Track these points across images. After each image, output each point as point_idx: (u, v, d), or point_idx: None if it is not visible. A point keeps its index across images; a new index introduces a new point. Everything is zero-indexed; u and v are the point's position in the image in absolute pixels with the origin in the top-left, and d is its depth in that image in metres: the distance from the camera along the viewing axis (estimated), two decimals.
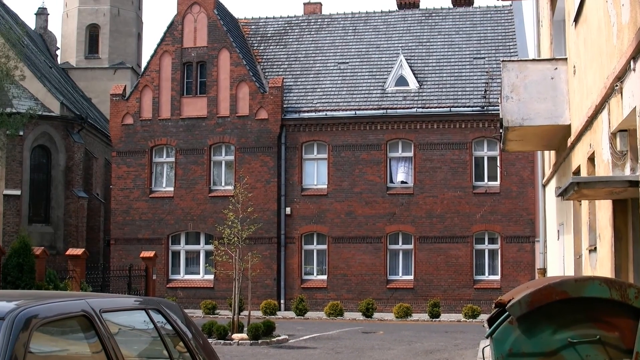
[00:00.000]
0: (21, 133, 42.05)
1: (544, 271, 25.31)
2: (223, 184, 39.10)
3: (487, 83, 38.23)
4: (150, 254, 36.11)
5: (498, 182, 36.83)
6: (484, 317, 30.56)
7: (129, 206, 39.51)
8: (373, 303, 35.21)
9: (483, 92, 37.85)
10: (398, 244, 37.56)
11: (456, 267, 36.75)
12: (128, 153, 39.85)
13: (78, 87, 60.42)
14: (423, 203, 37.15)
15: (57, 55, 65.13)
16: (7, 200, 42.84)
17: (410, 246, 37.32)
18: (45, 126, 45.14)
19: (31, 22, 65.85)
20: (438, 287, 36.73)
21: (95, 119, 53.08)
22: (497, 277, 36.64)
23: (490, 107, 36.70)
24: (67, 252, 33.56)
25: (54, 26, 66.09)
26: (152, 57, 40.25)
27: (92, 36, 63.35)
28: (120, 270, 36.52)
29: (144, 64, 44.76)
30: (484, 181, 37.10)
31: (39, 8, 66.97)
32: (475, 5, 43.38)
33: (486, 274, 36.97)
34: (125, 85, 42.35)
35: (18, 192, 43.17)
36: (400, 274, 37.59)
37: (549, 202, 24.07)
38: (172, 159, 39.53)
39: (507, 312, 8.79)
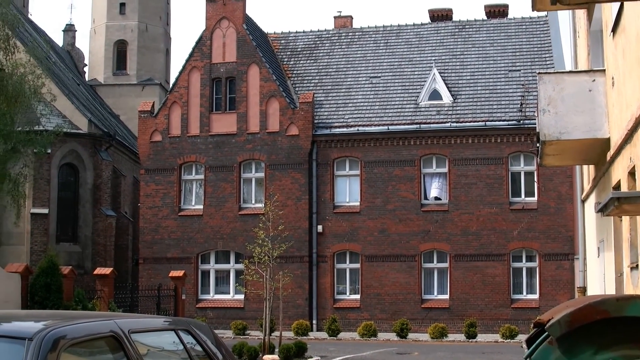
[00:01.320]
0: (49, 151, 41.64)
1: (583, 290, 24.55)
2: (253, 201, 38.47)
3: (522, 96, 37.41)
4: (180, 273, 35.61)
5: (535, 198, 35.97)
6: (522, 337, 29.91)
7: (158, 225, 38.96)
8: (407, 323, 34.39)
9: (519, 106, 37.03)
10: (433, 262, 36.73)
11: (493, 286, 35.87)
12: (156, 171, 39.33)
13: (106, 104, 60.19)
14: (458, 220, 36.32)
15: (84, 72, 65.01)
16: (34, 219, 42.47)
17: (446, 264, 36.47)
18: (73, 144, 44.76)
19: (59, 39, 65.67)
20: (474, 306, 35.84)
21: (123, 136, 52.72)
22: (536, 296, 35.71)
23: (526, 121, 35.87)
24: (95, 272, 33.19)
25: (82, 43, 66.32)
26: (180, 73, 39.78)
27: (120, 52, 63.16)
28: (149, 290, 36.00)
29: (172, 80, 44.29)
30: (520, 197, 36.23)
31: (67, 25, 66.92)
32: (509, 16, 42.59)
33: (524, 292, 36.05)
34: (154, 102, 41.95)
35: (46, 211, 42.79)
36: (435, 293, 36.74)
37: (588, 218, 23.39)
38: (202, 177, 38.97)
39: (546, 333, 8.28)
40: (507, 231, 35.84)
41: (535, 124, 35.21)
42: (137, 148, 41.73)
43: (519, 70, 38.74)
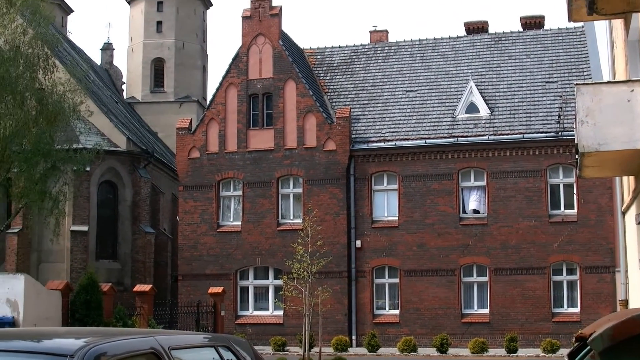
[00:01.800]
0: (88, 169, 41.95)
1: (625, 303, 24.20)
2: (291, 217, 38.45)
3: (560, 108, 37.12)
4: (219, 289, 35.63)
5: (575, 211, 35.63)
6: (563, 351, 29.72)
7: (197, 241, 39.06)
8: (447, 338, 34.16)
9: (557, 117, 36.74)
10: (472, 276, 36.47)
11: (533, 300, 35.52)
12: (195, 187, 39.46)
13: (144, 121, 60.57)
14: (497, 233, 36.05)
15: (123, 90, 65.52)
16: (74, 237, 42.77)
17: (485, 278, 36.19)
18: (112, 161, 45.07)
19: (97, 58, 66.34)
20: (515, 320, 35.50)
21: (161, 153, 53.00)
22: (577, 310, 35.32)
23: (564, 133, 35.55)
24: (135, 289, 33.36)
25: (120, 61, 66.88)
26: (217, 89, 39.95)
27: (157, 70, 63.58)
28: (188, 307, 36.08)
29: (209, 96, 44.52)
30: (560, 210, 35.90)
31: (105, 43, 67.54)
32: (546, 27, 42.28)
33: (565, 306, 35.68)
34: (191, 119, 42.12)
35: (85, 228, 43.08)
36: (475, 307, 36.46)
37: (629, 230, 23.03)
38: (240, 193, 39.03)
39: (589, 347, 8.18)
40: (547, 244, 35.50)
41: (573, 136, 35.07)
42: (176, 165, 41.90)
43: (557, 81, 38.47)
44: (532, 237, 35.66)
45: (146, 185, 46.17)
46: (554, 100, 37.57)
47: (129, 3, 66.73)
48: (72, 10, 67.42)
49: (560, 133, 35.90)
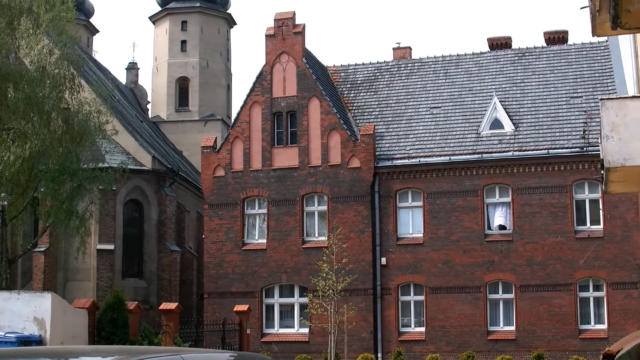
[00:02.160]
0: (113, 188, 42.21)
1: None
2: (316, 234, 38.44)
3: (585, 123, 36.95)
4: (244, 307, 35.64)
5: (601, 226, 35.39)
6: None
7: (222, 259, 39.13)
8: (474, 355, 34.01)
9: (582, 133, 36.57)
10: (498, 293, 36.28)
11: (560, 317, 35.27)
12: (220, 205, 39.55)
13: (169, 140, 60.89)
14: (523, 250, 35.87)
15: (148, 109, 65.92)
16: (100, 255, 42.99)
17: (511, 295, 35.99)
18: (138, 180, 45.31)
19: (122, 77, 66.81)
20: (541, 337, 35.27)
21: (186, 171, 53.25)
22: (604, 326, 35.03)
23: (589, 148, 35.37)
24: (161, 307, 33.45)
25: (145, 80, 67.43)
26: (241, 108, 40.08)
27: (181, 89, 63.96)
28: (214, 325, 36.08)
29: (233, 115, 44.67)
30: (586, 225, 35.67)
31: (130, 63, 68.01)
32: (569, 42, 42.12)
33: (592, 323, 35.38)
34: (216, 137, 42.28)
35: (111, 247, 43.31)
36: (501, 324, 36.24)
37: None
38: (264, 211, 39.08)
39: None
40: (573, 260, 35.28)
41: (599, 151, 34.91)
42: (201, 183, 42.04)
43: (581, 96, 38.32)
44: (558, 254, 35.46)
45: (171, 204, 46.38)
46: (579, 116, 37.42)
47: (154, 23, 67.24)
48: (97, 31, 68.06)
49: (585, 148, 35.72)
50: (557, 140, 36.62)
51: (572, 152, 35.89)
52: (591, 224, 35.60)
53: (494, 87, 39.93)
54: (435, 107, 40.16)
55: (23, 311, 26.57)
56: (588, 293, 35.45)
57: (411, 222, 37.59)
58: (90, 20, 67.10)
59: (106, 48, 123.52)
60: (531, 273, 35.60)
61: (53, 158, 32.83)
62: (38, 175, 34.64)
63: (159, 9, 66.98)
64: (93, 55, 62.29)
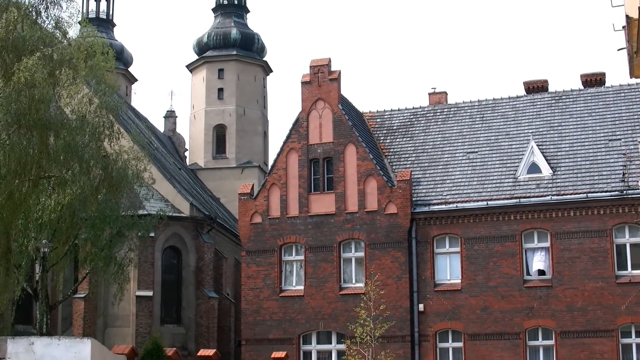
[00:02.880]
0: (152, 234, 42.54)
1: None
2: (354, 281, 38.30)
3: (624, 166, 36.62)
4: (282, 354, 35.55)
5: None
6: None
7: (259, 306, 39.06)
8: None
9: (621, 175, 36.24)
10: (538, 339, 35.81)
11: None
12: (257, 252, 39.57)
13: (207, 187, 61.26)
14: (562, 295, 35.44)
15: (185, 157, 66.46)
16: (139, 302, 43.22)
17: (551, 342, 35.51)
18: (176, 227, 45.60)
19: (160, 125, 67.51)
20: None
21: (224, 218, 53.50)
22: None
23: (629, 191, 35.04)
24: (199, 353, 33.49)
25: (182, 128, 68.00)
26: (278, 155, 40.23)
27: (219, 136, 64.50)
28: None
29: (270, 161, 44.87)
30: (627, 270, 35.15)
31: (167, 111, 68.81)
32: (607, 84, 41.91)
33: None
34: (253, 184, 42.46)
35: (150, 293, 43.52)
36: None
37: None
38: (302, 257, 39.04)
39: None
40: (615, 306, 34.77)
41: (638, 194, 34.71)
42: (238, 230, 42.14)
43: (620, 139, 38.04)
44: (598, 299, 34.99)
45: (209, 251, 46.56)
46: (618, 158, 37.12)
47: (191, 71, 68.04)
48: (135, 79, 68.99)
49: (625, 191, 35.35)
50: (596, 183, 36.30)
51: (611, 196, 35.52)
52: (632, 268, 35.10)
53: (531, 131, 39.79)
54: (472, 152, 40.05)
55: (63, 357, 26.80)
56: (630, 339, 34.84)
57: (449, 268, 37.35)
58: (129, 69, 68.03)
59: (144, 96, 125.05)
60: (571, 319, 35.15)
61: (92, 205, 33.15)
62: (78, 223, 35.00)
63: (196, 57, 67.81)
64: (131, 104, 63.06)
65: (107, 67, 37.19)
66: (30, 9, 30.49)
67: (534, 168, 37.73)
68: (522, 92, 43.13)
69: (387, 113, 44.14)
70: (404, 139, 42.11)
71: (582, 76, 42.59)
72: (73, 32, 34.21)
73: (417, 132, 42.32)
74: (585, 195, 35.78)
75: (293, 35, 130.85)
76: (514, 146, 39.47)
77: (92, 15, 65.57)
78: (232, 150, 63.95)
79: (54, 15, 31.39)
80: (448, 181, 38.89)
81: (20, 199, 28.69)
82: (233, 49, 66.41)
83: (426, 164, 40.16)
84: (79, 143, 30.94)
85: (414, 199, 38.08)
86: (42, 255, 34.34)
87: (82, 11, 62.97)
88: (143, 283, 43.39)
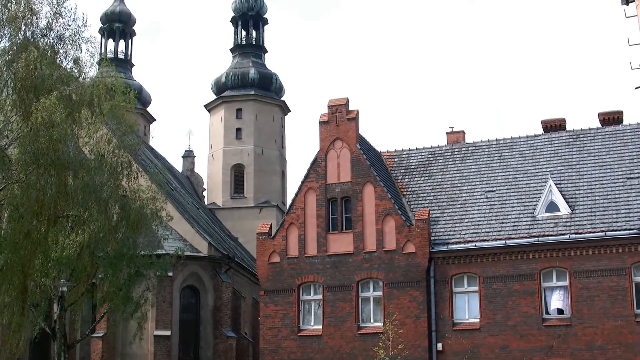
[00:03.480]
0: (170, 274, 42.64)
1: None
2: (372, 320, 38.11)
3: None
4: None
5: None
6: None
7: (278, 345, 38.93)
8: None
9: (639, 214, 36.08)
10: None
11: None
12: (275, 291, 39.51)
13: (225, 226, 61.34)
14: (582, 334, 35.14)
15: (204, 196, 66.67)
16: (157, 341, 43.23)
17: None
18: (194, 266, 45.71)
19: (178, 164, 67.85)
20: None
21: (242, 258, 53.54)
22: None
23: None
24: None
25: (200, 167, 68.49)
26: (296, 194, 40.27)
27: (237, 176, 64.73)
28: None
29: (288, 201, 44.97)
30: None
31: (186, 151, 69.18)
32: (625, 122, 41.84)
33: None
34: (271, 224, 42.46)
35: (168, 333, 43.52)
36: None
37: None
38: (320, 297, 38.94)
39: None
40: (634, 345, 34.42)
41: None
42: (256, 269, 42.10)
43: (638, 177, 37.88)
44: (618, 338, 34.67)
45: (227, 290, 46.59)
46: (636, 196, 36.95)
47: (209, 111, 68.47)
48: (154, 119, 69.47)
49: None
50: (615, 222, 36.14)
51: (630, 234, 35.33)
52: None
53: (549, 169, 39.72)
54: (490, 191, 39.98)
55: None
56: None
57: (467, 307, 37.14)
58: (147, 109, 68.53)
59: (163, 136, 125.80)
60: (591, 358, 34.81)
61: (111, 244, 33.32)
62: (96, 262, 35.14)
63: (215, 97, 68.28)
64: (150, 143, 63.43)
65: (128, 107, 37.53)
66: (49, 49, 30.86)
67: (552, 207, 37.59)
68: (540, 130, 43.10)
69: (404, 152, 44.18)
70: (422, 178, 42.09)
71: (599, 114, 42.53)
72: (92, 71, 34.62)
73: (435, 171, 42.31)
74: (603, 233, 35.61)
75: (311, 74, 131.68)
76: (532, 185, 39.38)
77: (110, 55, 66.31)
78: (250, 190, 64.14)
79: (73, 54, 31.82)
80: (466, 220, 38.79)
81: (39, 238, 28.88)
82: (251, 88, 66.88)
83: (444, 203, 40.10)
84: (97, 182, 31.17)
85: (432, 238, 38.00)
86: (60, 294, 34.46)
87: (101, 51, 63.59)
88: (161, 322, 43.40)
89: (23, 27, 30.60)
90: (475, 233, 37.88)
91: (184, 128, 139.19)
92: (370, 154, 41.05)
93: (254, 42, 70.61)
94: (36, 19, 31.02)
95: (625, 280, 34.95)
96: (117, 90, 36.33)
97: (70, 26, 31.88)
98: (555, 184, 38.20)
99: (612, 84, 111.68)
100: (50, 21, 31.44)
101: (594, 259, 35.50)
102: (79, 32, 32.02)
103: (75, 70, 32.12)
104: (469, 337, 36.48)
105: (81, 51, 32.02)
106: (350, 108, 40.57)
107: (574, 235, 35.97)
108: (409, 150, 44.33)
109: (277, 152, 66.72)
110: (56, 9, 31.61)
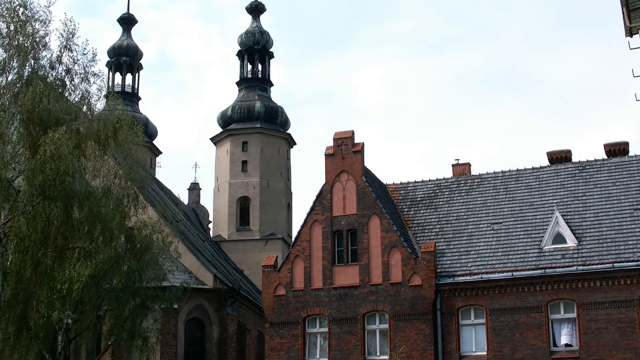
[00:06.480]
0: (175, 306, 42.50)
1: None
2: (378, 353, 37.88)
3: None
4: None
5: None
6: None
7: None
8: None
9: None
10: None
11: None
12: (281, 324, 39.35)
13: (230, 259, 61.25)
14: None
15: (209, 229, 66.63)
16: None
17: None
18: (199, 299, 45.55)
19: (184, 197, 67.89)
20: None
21: (247, 290, 53.38)
22: None
23: None
24: None
25: (206, 200, 68.49)
26: (302, 227, 40.22)
27: (242, 209, 64.70)
28: None
29: (294, 234, 44.86)
30: None
31: (191, 184, 69.26)
32: (631, 153, 41.80)
33: None
34: (277, 256, 42.37)
35: None
36: None
37: None
38: (326, 329, 38.76)
39: None
40: None
41: None
42: (262, 302, 41.95)
43: None
44: None
45: (233, 323, 46.39)
46: None
47: (215, 143, 68.60)
48: (160, 152, 69.62)
49: None
50: (622, 253, 35.98)
51: (637, 265, 35.11)
52: None
53: (555, 201, 39.63)
54: (496, 223, 39.88)
55: None
56: None
57: (474, 340, 36.91)
58: (154, 141, 68.69)
59: (169, 169, 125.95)
60: None
61: (117, 276, 33.29)
62: (102, 294, 35.08)
63: (220, 130, 68.44)
64: (156, 176, 63.53)
65: (136, 141, 37.65)
66: (57, 82, 31.01)
67: (559, 238, 37.46)
68: (546, 162, 43.07)
69: (410, 185, 44.16)
70: (428, 211, 42.03)
71: (605, 146, 42.51)
72: (100, 104, 34.74)
73: (441, 203, 42.24)
74: (611, 265, 35.45)
75: (316, 107, 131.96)
76: (538, 217, 39.28)
77: (117, 88, 66.59)
78: (256, 223, 64.07)
79: (81, 88, 31.96)
80: (472, 252, 38.67)
81: (45, 269, 28.85)
82: (257, 121, 67.03)
83: (450, 235, 40.00)
84: (103, 214, 31.18)
85: (438, 270, 37.86)
86: (66, 327, 34.37)
87: (108, 84, 63.88)
88: (166, 355, 43.18)
89: (31, 60, 30.76)
90: (481, 265, 37.74)
91: (190, 161, 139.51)
92: (376, 187, 41.03)
93: (259, 76, 70.88)
94: (45, 52, 31.22)
95: (634, 312, 34.75)
96: (124, 123, 36.43)
97: (78, 60, 32.11)
98: (562, 215, 38.10)
99: (617, 115, 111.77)
100: (59, 54, 31.64)
101: (602, 291, 35.32)
102: (88, 66, 32.25)
103: (84, 107, 32.26)
104: None
105: (90, 85, 32.19)
106: (356, 141, 40.63)
107: (581, 267, 35.82)
108: (415, 182, 44.31)
109: (282, 185, 66.72)
110: (65, 43, 31.82)
